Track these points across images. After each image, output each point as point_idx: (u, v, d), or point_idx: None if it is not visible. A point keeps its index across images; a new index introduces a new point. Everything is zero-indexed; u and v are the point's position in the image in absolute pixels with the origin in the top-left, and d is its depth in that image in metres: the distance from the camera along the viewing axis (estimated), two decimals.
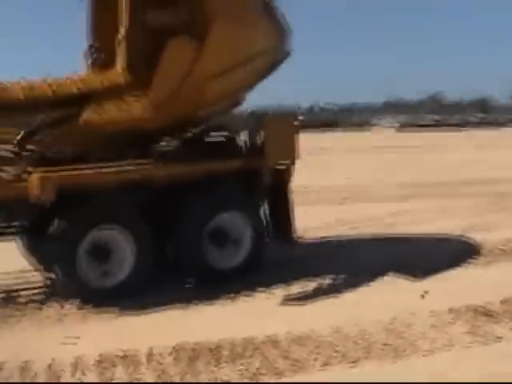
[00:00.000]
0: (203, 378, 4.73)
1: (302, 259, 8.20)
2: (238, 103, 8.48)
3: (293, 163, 7.68)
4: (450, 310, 5.94)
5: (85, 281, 6.70)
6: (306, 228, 9.18)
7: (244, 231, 7.46)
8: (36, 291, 7.22)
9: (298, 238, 8.32)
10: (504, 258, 8.10)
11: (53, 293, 6.96)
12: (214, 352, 5.19)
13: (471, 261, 7.92)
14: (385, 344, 5.19)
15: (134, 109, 7.01)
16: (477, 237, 9.17)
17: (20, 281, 7.59)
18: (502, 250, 8.46)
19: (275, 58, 8.20)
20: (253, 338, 5.44)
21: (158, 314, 6.30)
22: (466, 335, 5.35)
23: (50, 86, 6.91)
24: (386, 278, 7.26)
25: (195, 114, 7.40)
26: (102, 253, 6.82)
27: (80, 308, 6.51)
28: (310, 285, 7.09)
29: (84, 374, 4.86)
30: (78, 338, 5.62)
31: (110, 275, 6.87)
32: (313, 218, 10.59)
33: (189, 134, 7.35)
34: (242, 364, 4.94)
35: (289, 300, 6.65)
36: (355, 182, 16.95)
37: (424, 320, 5.76)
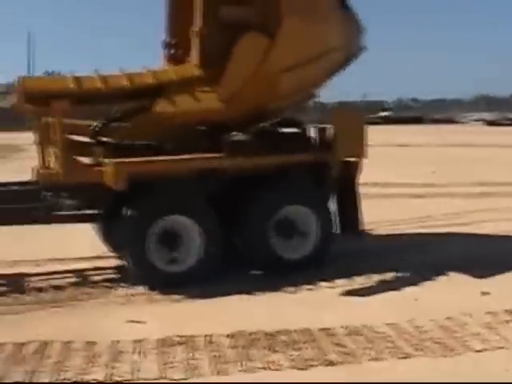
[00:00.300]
0: (257, 363, 4.86)
1: (371, 253, 8.23)
2: (311, 97, 8.56)
3: (361, 157, 7.67)
4: (507, 311, 5.83)
5: (153, 266, 6.96)
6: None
7: (311, 224, 7.53)
8: (108, 276, 7.54)
9: (369, 230, 8.40)
10: None
11: (124, 277, 7.28)
12: (270, 339, 5.32)
13: None
14: (436, 342, 5.15)
15: (205, 101, 7.22)
16: None
17: (95, 265, 7.96)
18: None
19: (348, 53, 8.24)
20: (309, 328, 5.53)
21: (221, 302, 6.48)
22: None
23: (126, 77, 7.20)
24: (448, 276, 7.16)
25: (266, 107, 7.53)
26: (171, 240, 7.06)
27: (148, 292, 6.80)
28: (373, 278, 7.10)
29: (144, 355, 5.07)
30: (142, 320, 5.86)
31: (178, 262, 7.11)
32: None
33: (260, 127, 7.44)
34: (295, 350, 5.06)
35: (349, 292, 6.69)
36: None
37: (479, 320, 5.67)
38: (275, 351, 5.09)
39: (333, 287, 6.89)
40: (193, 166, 7.12)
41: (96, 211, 7.34)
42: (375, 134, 41.05)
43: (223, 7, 7.29)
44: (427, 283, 6.93)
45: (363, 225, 8.03)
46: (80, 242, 8.71)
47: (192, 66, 7.45)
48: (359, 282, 7.02)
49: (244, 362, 4.90)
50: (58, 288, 7.02)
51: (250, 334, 5.46)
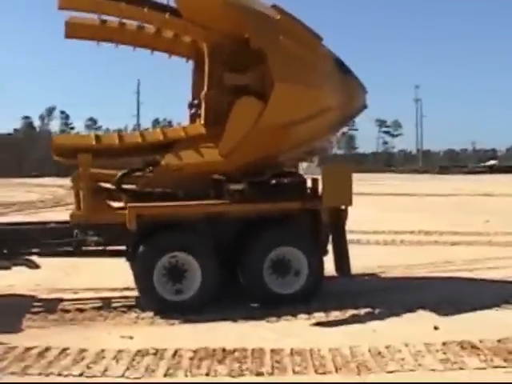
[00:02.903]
0: (201, 371, 5.95)
1: (361, 292, 9.11)
2: (314, 152, 9.65)
3: (347, 205, 8.62)
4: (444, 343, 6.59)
5: (159, 296, 8.19)
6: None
7: (302, 264, 8.51)
8: (128, 303, 8.77)
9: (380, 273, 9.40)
10: None
11: (138, 304, 8.55)
12: (225, 354, 6.39)
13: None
14: (359, 364, 6.06)
15: (208, 155, 8.48)
16: None
17: (121, 294, 9.28)
18: None
19: (348, 112, 9.29)
20: (263, 348, 6.53)
21: (205, 325, 7.57)
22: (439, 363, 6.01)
23: (140, 135, 8.65)
24: (415, 312, 7.91)
25: (264, 160, 8.63)
26: (175, 274, 8.27)
27: (152, 316, 8.03)
28: (347, 313, 7.98)
29: (118, 361, 6.28)
30: (133, 336, 7.10)
31: (181, 293, 8.28)
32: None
33: (259, 178, 8.59)
34: (238, 363, 6.13)
35: (320, 323, 7.61)
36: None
37: (414, 348, 6.45)
38: (221, 363, 6.15)
39: (309, 319, 7.82)
40: (195, 210, 8.37)
41: (122, 247, 8.69)
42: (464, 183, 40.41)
43: (227, 74, 8.54)
44: (392, 318, 7.73)
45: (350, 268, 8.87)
46: (115, 275, 10.08)
47: (199, 125, 8.78)
48: (334, 315, 7.92)
49: (192, 370, 5.98)
50: (81, 310, 8.38)
51: (213, 349, 6.53)
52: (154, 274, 8.16)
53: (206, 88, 8.71)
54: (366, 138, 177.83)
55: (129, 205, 8.20)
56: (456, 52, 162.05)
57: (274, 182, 8.83)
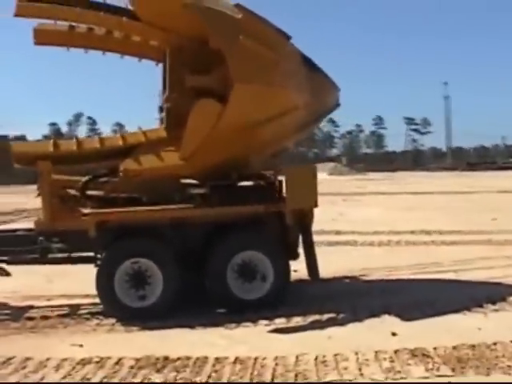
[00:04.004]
0: (136, 379, 5.86)
1: (329, 296, 8.91)
2: (283, 150, 9.47)
3: (312, 207, 8.41)
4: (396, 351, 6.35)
5: (120, 303, 8.09)
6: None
7: (267, 269, 8.33)
8: (95, 310, 8.67)
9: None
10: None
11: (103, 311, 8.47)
12: (166, 363, 6.29)
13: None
14: (298, 373, 5.91)
15: (168, 159, 8.35)
16: None
17: (94, 301, 9.17)
18: None
19: (316, 111, 9.08)
20: (207, 356, 6.39)
21: (159, 333, 7.46)
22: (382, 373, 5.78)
23: (99, 140, 8.57)
24: (379, 318, 7.68)
25: (228, 163, 8.46)
26: (137, 280, 8.16)
27: (113, 323, 7.93)
28: (309, 319, 7.81)
29: (57, 369, 6.20)
30: (82, 344, 7.01)
31: (143, 299, 8.17)
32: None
33: (222, 181, 8.44)
34: (176, 372, 6.03)
35: (277, 330, 7.44)
36: None
37: (364, 355, 6.23)
38: (160, 372, 6.04)
39: (269, 325, 7.63)
40: (155, 216, 8.25)
41: (88, 254, 8.62)
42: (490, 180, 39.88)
43: (188, 76, 8.39)
44: (353, 324, 7.51)
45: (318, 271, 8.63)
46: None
47: (161, 129, 8.66)
48: (296, 321, 7.72)
49: (127, 378, 5.88)
50: (45, 318, 8.32)
51: (156, 358, 6.41)
52: (114, 281, 8.07)
53: (167, 91, 8.58)
54: (395, 137, 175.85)
55: (87, 211, 8.13)
56: (485, 48, 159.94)
57: (238, 185, 8.65)
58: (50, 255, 8.58)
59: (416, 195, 30.29)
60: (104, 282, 8.11)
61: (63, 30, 9.14)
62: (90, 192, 8.63)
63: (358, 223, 18.10)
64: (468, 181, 42.88)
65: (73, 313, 8.60)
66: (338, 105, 9.53)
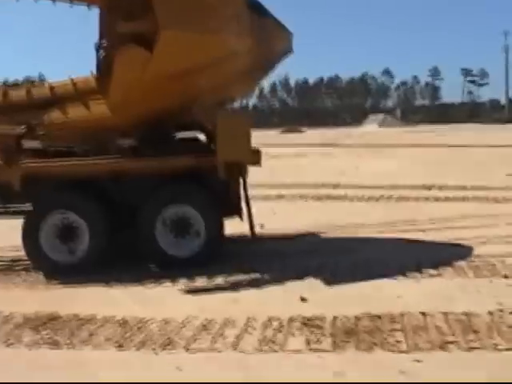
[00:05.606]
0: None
1: (263, 254, 8.51)
2: (229, 100, 8.91)
3: (245, 161, 7.89)
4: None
5: (46, 256, 7.89)
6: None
7: (199, 224, 7.94)
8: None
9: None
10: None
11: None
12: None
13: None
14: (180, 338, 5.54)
15: (95, 110, 7.98)
16: None
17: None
18: None
19: (263, 57, 8.46)
20: (95, 314, 6.19)
21: (70, 290, 7.26)
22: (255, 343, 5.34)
23: (26, 90, 8.22)
24: (301, 280, 7.22)
25: (160, 113, 7.99)
26: (64, 235, 7.92)
27: (36, 279, 7.76)
28: (218, 279, 7.44)
29: None
30: None
31: (69, 254, 7.94)
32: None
33: (153, 131, 8.01)
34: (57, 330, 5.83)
35: (185, 291, 7.11)
36: None
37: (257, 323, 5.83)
38: (36, 330, 5.86)
39: (187, 284, 7.29)
40: (81, 168, 7.92)
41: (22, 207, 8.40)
42: None
43: (120, 22, 7.91)
44: (272, 287, 7.07)
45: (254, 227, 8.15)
46: None
47: (91, 78, 8.24)
48: (200, 281, 7.35)
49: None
50: None
51: (45, 315, 6.20)
52: (40, 235, 7.85)
53: (98, 38, 8.14)
54: (451, 88, 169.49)
55: (10, 163, 7.87)
56: None
57: (172, 136, 8.20)
58: None
59: (451, 148, 29.15)
60: (29, 236, 7.90)
61: None
62: (27, 144, 8.36)
63: (366, 177, 17.47)
64: None
65: (7, 268, 8.46)
66: (290, 50, 8.87)
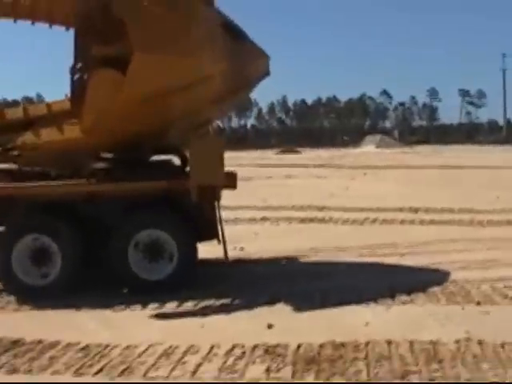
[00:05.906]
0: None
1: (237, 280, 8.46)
2: (206, 122, 8.89)
3: (219, 184, 7.85)
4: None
5: (18, 280, 7.82)
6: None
7: (171, 248, 7.88)
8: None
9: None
10: None
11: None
12: (21, 345, 6.03)
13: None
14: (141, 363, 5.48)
15: (68, 132, 7.96)
16: None
17: None
18: None
19: (238, 80, 8.46)
20: (59, 341, 6.08)
21: (39, 313, 7.20)
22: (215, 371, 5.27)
23: (0, 112, 8.23)
24: (270, 307, 7.13)
25: (134, 136, 7.96)
26: (36, 258, 7.86)
27: (8, 302, 7.69)
28: (187, 304, 7.36)
29: None
30: None
31: (40, 278, 7.87)
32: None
33: (125, 155, 8.00)
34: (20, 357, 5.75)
35: (152, 316, 7.04)
36: None
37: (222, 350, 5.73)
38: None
39: (155, 309, 7.21)
40: (56, 191, 7.89)
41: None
42: None
43: (95, 45, 7.92)
44: (241, 312, 7.00)
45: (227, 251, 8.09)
46: None
47: (65, 101, 8.25)
48: (170, 306, 7.28)
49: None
50: None
51: (9, 341, 6.11)
52: (11, 258, 7.79)
53: (73, 61, 8.14)
54: (449, 109, 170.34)
55: None
56: None
57: (145, 159, 8.18)
58: None
59: (444, 169, 29.15)
60: (1, 258, 7.84)
61: None
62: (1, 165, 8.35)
63: (353, 199, 17.37)
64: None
65: None
66: (267, 73, 8.89)
